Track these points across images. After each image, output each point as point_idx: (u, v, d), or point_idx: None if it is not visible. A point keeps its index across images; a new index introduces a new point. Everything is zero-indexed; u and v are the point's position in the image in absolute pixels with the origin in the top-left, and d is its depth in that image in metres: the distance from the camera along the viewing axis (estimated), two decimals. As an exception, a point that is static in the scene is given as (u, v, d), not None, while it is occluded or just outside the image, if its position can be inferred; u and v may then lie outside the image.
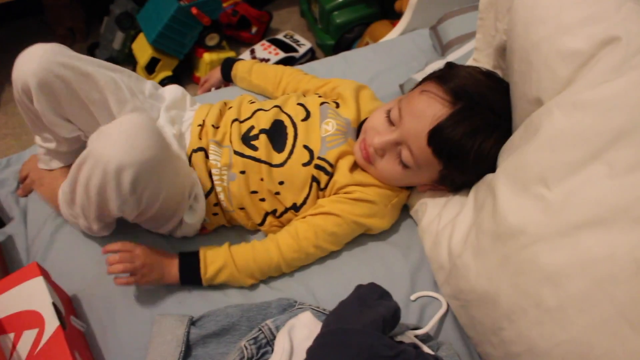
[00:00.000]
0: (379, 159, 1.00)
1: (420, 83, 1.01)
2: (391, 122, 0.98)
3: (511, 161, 0.84)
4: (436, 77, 0.96)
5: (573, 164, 0.73)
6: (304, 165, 1.02)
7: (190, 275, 0.98)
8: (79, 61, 0.97)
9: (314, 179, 1.03)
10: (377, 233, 1.07)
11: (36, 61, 0.92)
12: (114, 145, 0.81)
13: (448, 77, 0.94)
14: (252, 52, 2.25)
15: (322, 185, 1.03)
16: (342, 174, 1.02)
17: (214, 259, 0.98)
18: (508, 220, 0.79)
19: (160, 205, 0.92)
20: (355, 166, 1.04)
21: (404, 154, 0.96)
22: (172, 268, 0.97)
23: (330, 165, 1.02)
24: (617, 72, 0.74)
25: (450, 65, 1.00)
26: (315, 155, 1.03)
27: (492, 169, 0.91)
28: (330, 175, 1.02)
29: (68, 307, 0.92)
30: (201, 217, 1.03)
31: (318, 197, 1.05)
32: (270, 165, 1.03)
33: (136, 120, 0.84)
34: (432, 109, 0.92)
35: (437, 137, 0.91)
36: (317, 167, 1.02)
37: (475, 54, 1.17)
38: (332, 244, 1.03)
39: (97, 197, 0.86)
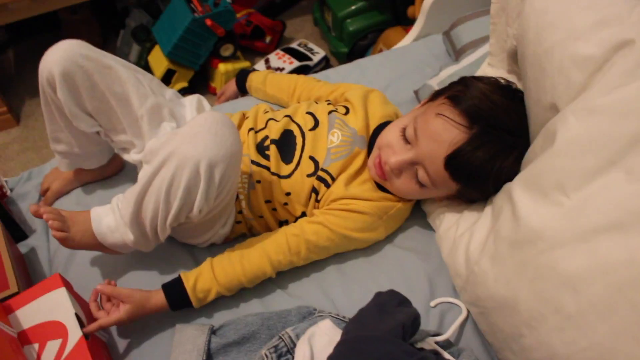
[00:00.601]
0: (394, 177, 0.99)
1: (435, 97, 1.00)
2: (407, 140, 0.97)
3: (529, 169, 0.84)
4: (450, 97, 0.95)
5: (590, 170, 0.73)
6: (309, 176, 1.03)
7: (177, 297, 0.95)
8: (102, 55, 1.00)
9: (314, 189, 1.03)
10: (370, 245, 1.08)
11: (61, 52, 0.96)
12: (204, 143, 0.81)
13: (462, 98, 0.93)
14: (267, 61, 2.27)
15: (319, 196, 1.04)
16: (337, 187, 1.02)
17: (199, 281, 0.96)
18: (527, 226, 0.78)
19: (228, 200, 0.94)
20: (352, 178, 1.04)
21: (421, 174, 0.96)
22: (158, 295, 0.95)
23: (332, 177, 1.03)
24: (631, 76, 0.73)
25: (463, 82, 0.98)
26: (320, 166, 1.03)
27: (511, 180, 0.91)
28: (329, 187, 1.03)
29: (90, 317, 0.93)
30: (232, 223, 1.05)
31: (314, 209, 1.05)
32: (279, 176, 1.04)
33: (217, 116, 0.85)
34: (449, 134, 0.91)
35: (454, 163, 0.91)
36: (319, 178, 1.03)
37: (489, 59, 1.17)
38: (322, 256, 1.04)
39: (182, 198, 0.85)
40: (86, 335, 0.83)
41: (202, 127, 0.83)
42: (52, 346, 0.81)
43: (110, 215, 0.96)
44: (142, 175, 0.89)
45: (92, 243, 0.98)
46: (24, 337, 0.83)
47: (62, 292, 0.88)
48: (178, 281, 0.95)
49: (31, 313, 0.86)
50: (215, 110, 1.18)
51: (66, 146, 1.11)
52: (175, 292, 0.94)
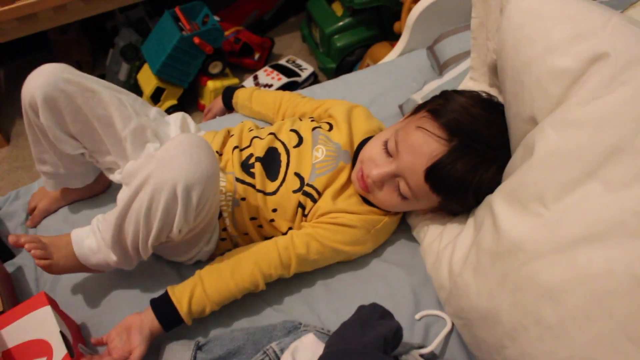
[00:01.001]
0: (377, 190, 1.00)
1: (417, 110, 1.02)
2: (388, 153, 0.98)
3: (509, 181, 0.85)
4: (430, 111, 0.96)
5: (568, 182, 0.74)
6: (295, 192, 1.04)
7: (172, 321, 0.94)
8: (84, 79, 1.01)
9: (300, 204, 1.04)
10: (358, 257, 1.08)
11: (43, 76, 0.97)
12: (179, 166, 0.81)
13: (442, 112, 0.94)
14: (256, 78, 2.28)
15: (306, 211, 1.04)
16: (324, 201, 1.03)
17: (193, 304, 0.94)
18: (507, 238, 0.79)
19: (209, 219, 0.94)
20: (339, 193, 1.05)
21: (402, 186, 0.97)
22: (150, 319, 0.92)
23: (318, 192, 1.03)
24: (606, 88, 0.74)
25: (444, 96, 1.00)
26: (305, 181, 1.04)
27: (492, 192, 0.91)
28: (315, 202, 1.03)
29: (76, 335, 0.93)
30: (216, 240, 1.05)
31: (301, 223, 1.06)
32: (265, 193, 1.04)
33: (192, 139, 0.85)
34: (428, 146, 0.92)
35: (434, 175, 0.92)
36: (305, 193, 1.03)
37: (471, 73, 1.18)
38: (310, 269, 1.04)
39: (161, 220, 0.84)
40: (71, 353, 0.83)
41: (177, 151, 0.83)
42: None
43: (91, 237, 0.96)
44: (121, 197, 0.89)
45: (76, 266, 0.98)
46: (9, 356, 0.83)
47: (47, 310, 0.88)
48: (170, 304, 0.93)
49: (16, 332, 0.86)
50: (195, 132, 1.20)
51: (51, 167, 1.12)
52: (169, 316, 0.93)
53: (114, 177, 1.12)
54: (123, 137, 1.05)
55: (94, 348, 0.97)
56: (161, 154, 0.84)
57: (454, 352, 0.95)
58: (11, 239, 0.93)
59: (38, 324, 0.87)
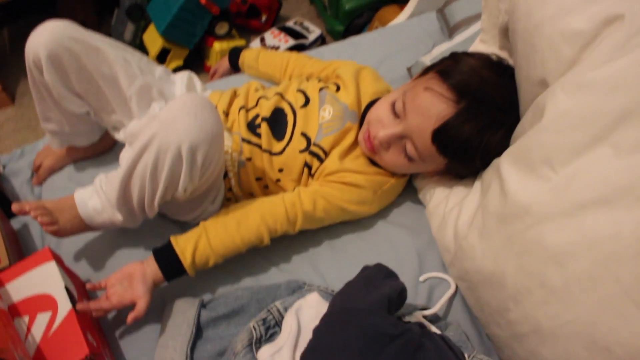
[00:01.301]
0: (384, 151, 0.99)
1: (425, 72, 1.00)
2: (396, 115, 0.97)
3: (518, 144, 0.84)
4: (439, 72, 0.94)
5: (578, 145, 0.73)
6: (301, 151, 1.03)
7: (174, 271, 0.93)
8: (89, 36, 0.99)
9: (307, 164, 1.03)
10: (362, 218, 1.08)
11: (47, 34, 0.95)
12: (184, 127, 0.81)
13: (451, 73, 0.92)
14: (262, 40, 2.25)
15: (313, 171, 1.04)
16: (331, 161, 1.02)
17: (197, 255, 0.94)
18: (514, 201, 0.79)
19: (213, 179, 0.94)
20: (346, 153, 1.04)
21: (409, 148, 0.96)
22: (149, 266, 0.93)
23: (325, 152, 1.03)
24: (620, 51, 0.73)
25: (454, 57, 0.98)
26: (312, 141, 1.03)
27: (499, 155, 0.90)
28: (322, 161, 1.03)
29: (82, 291, 0.93)
30: (221, 200, 1.04)
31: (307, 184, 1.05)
32: (271, 153, 1.04)
33: (196, 98, 0.84)
34: (436, 107, 0.91)
35: (441, 136, 0.91)
36: (312, 153, 1.03)
37: (481, 35, 1.16)
38: (315, 226, 1.04)
39: (167, 180, 0.85)
40: (75, 308, 0.83)
41: (181, 111, 0.82)
42: (42, 318, 0.82)
43: (94, 198, 0.96)
44: (125, 157, 0.88)
45: (81, 227, 0.98)
46: (14, 310, 0.83)
47: (52, 265, 0.88)
48: (173, 256, 0.92)
49: (21, 286, 0.86)
50: (201, 91, 1.18)
51: (56, 125, 1.11)
52: (172, 267, 0.93)
53: (119, 135, 1.11)
54: (128, 96, 1.04)
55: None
56: (165, 114, 0.83)
57: (457, 314, 0.96)
58: (14, 208, 0.92)
59: (43, 279, 0.87)
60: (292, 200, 0.99)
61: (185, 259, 0.92)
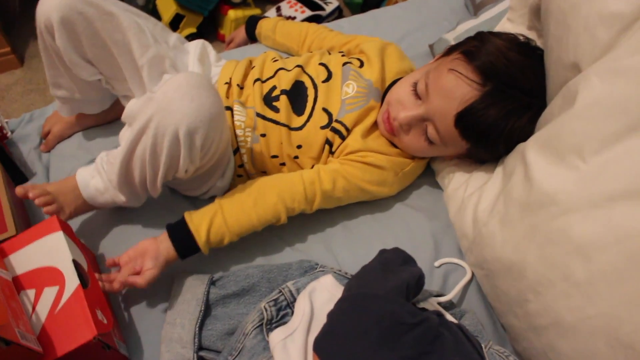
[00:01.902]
0: (403, 134, 0.97)
1: (450, 52, 0.97)
2: (417, 96, 0.94)
3: (546, 130, 0.81)
4: (464, 53, 0.91)
5: (611, 134, 0.70)
6: (322, 128, 1.00)
7: (188, 249, 0.91)
8: (103, 0, 0.95)
9: (328, 141, 1.00)
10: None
11: None
12: (180, 110, 0.78)
13: (477, 54, 0.89)
14: (278, 9, 2.21)
15: (334, 148, 1.01)
16: (354, 139, 0.99)
17: (212, 233, 0.91)
18: (540, 189, 0.76)
19: (217, 158, 0.91)
20: (369, 132, 1.01)
21: (430, 131, 0.93)
22: (163, 243, 0.90)
23: (347, 129, 1.00)
24: (662, 37, 0.70)
25: (480, 37, 0.94)
26: (334, 117, 1.00)
27: (524, 141, 0.87)
28: (344, 139, 1.00)
29: (93, 265, 0.91)
30: (231, 176, 1.02)
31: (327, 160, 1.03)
32: (289, 128, 1.01)
33: (193, 79, 0.81)
34: (461, 90, 0.88)
35: (465, 120, 0.88)
36: (333, 129, 1.00)
37: (509, 14, 1.12)
38: (332, 206, 1.01)
39: (166, 163, 0.83)
40: (83, 284, 0.80)
41: (176, 92, 0.79)
42: (49, 293, 0.79)
43: (96, 177, 0.94)
44: (124, 137, 0.86)
45: (85, 207, 0.97)
46: (19, 282, 0.80)
47: (59, 236, 0.84)
48: (187, 234, 0.90)
49: (27, 257, 0.83)
50: (215, 61, 1.16)
51: (67, 91, 1.08)
52: (186, 245, 0.90)
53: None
54: (140, 65, 1.01)
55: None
56: (161, 97, 0.80)
57: (472, 301, 0.94)
58: (18, 191, 0.90)
59: (50, 250, 0.83)
60: (312, 179, 0.96)
61: (200, 237, 0.89)
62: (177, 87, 0.79)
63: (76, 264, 0.82)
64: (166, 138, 0.79)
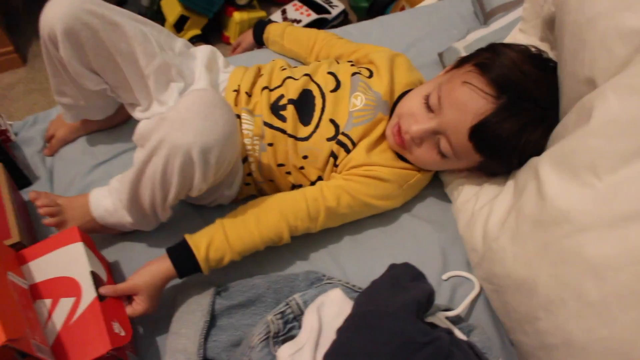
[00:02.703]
0: (415, 147, 0.95)
1: (461, 63, 0.96)
2: (430, 109, 0.93)
3: (560, 146, 0.80)
4: (478, 65, 0.90)
5: (627, 153, 0.68)
6: (328, 140, 0.99)
7: (187, 267, 0.88)
8: (108, 10, 0.94)
9: (333, 154, 0.99)
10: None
11: (64, 7, 0.90)
12: (194, 129, 0.76)
13: (491, 66, 0.88)
14: (284, 12, 2.20)
15: (338, 161, 0.99)
16: (358, 153, 0.98)
17: (211, 250, 0.89)
18: (553, 206, 0.75)
19: (229, 172, 0.91)
20: (374, 145, 1.00)
21: (443, 144, 0.92)
22: (165, 265, 0.88)
23: (353, 143, 0.98)
24: (681, 55, 0.68)
25: (493, 49, 0.93)
26: (340, 130, 0.99)
27: (537, 155, 0.87)
28: (349, 152, 0.99)
29: (111, 275, 0.90)
30: (239, 185, 1.01)
31: (331, 173, 1.02)
32: (296, 138, 0.99)
33: (206, 97, 0.79)
34: (475, 103, 0.86)
35: (479, 134, 0.87)
36: (339, 142, 0.98)
37: (521, 24, 1.11)
38: (337, 223, 1.00)
39: (178, 184, 0.81)
40: (100, 297, 0.79)
41: (190, 112, 0.77)
42: (65, 304, 0.78)
43: (108, 198, 0.93)
44: (136, 159, 0.85)
45: (94, 226, 0.96)
46: (36, 291, 0.79)
47: (79, 247, 0.84)
48: (186, 250, 0.87)
49: (46, 266, 0.83)
50: (224, 67, 1.14)
51: (71, 99, 1.07)
52: (185, 263, 0.88)
53: (136, 114, 1.07)
54: (146, 74, 0.99)
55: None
56: (174, 115, 0.78)
57: (480, 316, 0.93)
58: (31, 195, 0.90)
59: (69, 261, 0.82)
60: (314, 196, 0.95)
61: (199, 252, 0.87)
62: (190, 106, 0.78)
63: (95, 276, 0.81)
64: (179, 159, 0.77)
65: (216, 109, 0.79)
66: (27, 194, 1.09)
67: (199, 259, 0.87)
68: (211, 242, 0.88)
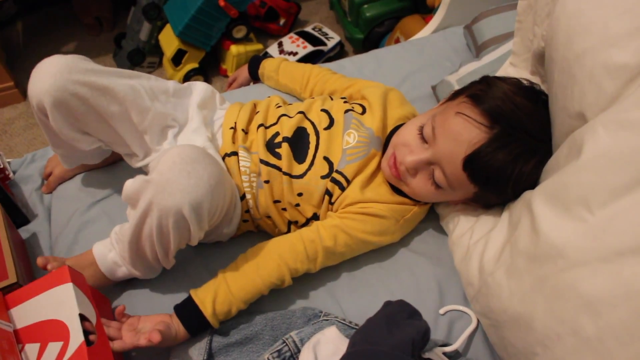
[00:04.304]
0: (410, 178, 0.96)
1: (455, 96, 0.97)
2: (424, 139, 0.93)
3: (552, 180, 0.80)
4: (471, 96, 0.91)
5: (618, 187, 0.69)
6: (323, 177, 1.00)
7: (198, 325, 0.89)
8: (95, 75, 0.93)
9: (328, 191, 0.99)
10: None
11: (50, 79, 0.89)
12: (179, 189, 0.77)
13: (484, 97, 0.89)
14: (280, 44, 2.22)
15: (333, 199, 1.00)
16: (352, 190, 0.98)
17: (217, 303, 0.90)
18: (547, 241, 0.75)
19: (224, 215, 0.92)
20: (368, 181, 1.01)
21: (437, 175, 0.92)
22: (175, 320, 0.89)
23: (347, 180, 0.99)
24: (668, 89, 0.69)
25: (485, 81, 0.95)
26: (334, 167, 1.00)
27: (531, 187, 0.87)
28: (343, 190, 0.99)
29: (103, 312, 0.88)
30: (237, 223, 1.01)
31: (328, 211, 1.02)
32: (291, 176, 1.00)
33: (185, 153, 0.80)
34: (468, 133, 0.87)
35: (473, 164, 0.87)
36: (333, 180, 0.99)
37: (511, 58, 1.12)
38: (336, 262, 1.00)
39: (176, 239, 0.83)
40: (87, 342, 0.77)
41: (172, 172, 0.78)
42: (53, 348, 0.76)
43: (113, 251, 0.94)
44: (129, 217, 0.85)
45: (104, 281, 0.96)
46: (26, 334, 0.78)
47: (68, 288, 0.82)
48: (194, 308, 0.88)
49: (35, 308, 0.81)
50: (220, 104, 1.15)
51: (67, 151, 1.08)
52: (194, 319, 0.88)
53: (133, 163, 1.07)
54: (141, 130, 1.00)
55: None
56: (157, 178, 0.79)
57: (478, 350, 0.92)
58: (39, 262, 0.90)
59: (58, 303, 0.81)
60: (311, 237, 0.95)
61: (206, 309, 0.88)
62: (171, 166, 0.79)
63: (83, 318, 0.79)
64: (171, 219, 0.79)
65: (198, 165, 0.80)
66: (25, 232, 1.10)
67: (206, 315, 0.88)
68: (216, 296, 0.89)
